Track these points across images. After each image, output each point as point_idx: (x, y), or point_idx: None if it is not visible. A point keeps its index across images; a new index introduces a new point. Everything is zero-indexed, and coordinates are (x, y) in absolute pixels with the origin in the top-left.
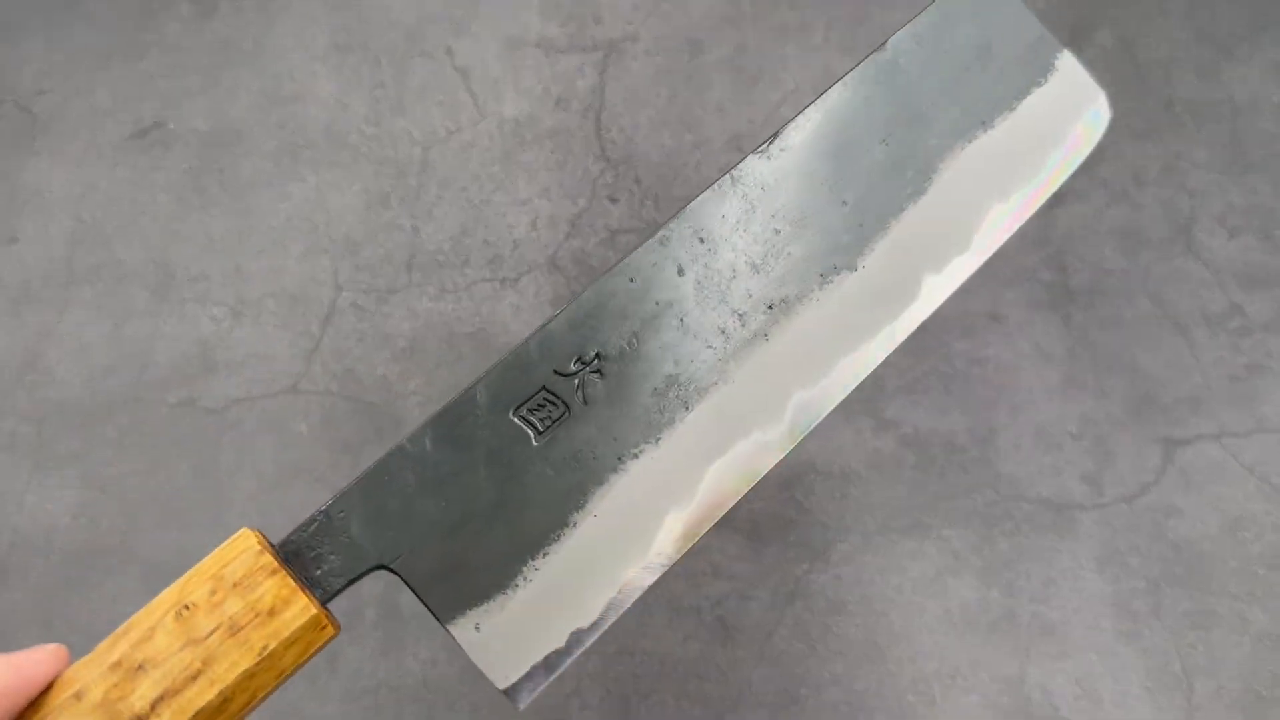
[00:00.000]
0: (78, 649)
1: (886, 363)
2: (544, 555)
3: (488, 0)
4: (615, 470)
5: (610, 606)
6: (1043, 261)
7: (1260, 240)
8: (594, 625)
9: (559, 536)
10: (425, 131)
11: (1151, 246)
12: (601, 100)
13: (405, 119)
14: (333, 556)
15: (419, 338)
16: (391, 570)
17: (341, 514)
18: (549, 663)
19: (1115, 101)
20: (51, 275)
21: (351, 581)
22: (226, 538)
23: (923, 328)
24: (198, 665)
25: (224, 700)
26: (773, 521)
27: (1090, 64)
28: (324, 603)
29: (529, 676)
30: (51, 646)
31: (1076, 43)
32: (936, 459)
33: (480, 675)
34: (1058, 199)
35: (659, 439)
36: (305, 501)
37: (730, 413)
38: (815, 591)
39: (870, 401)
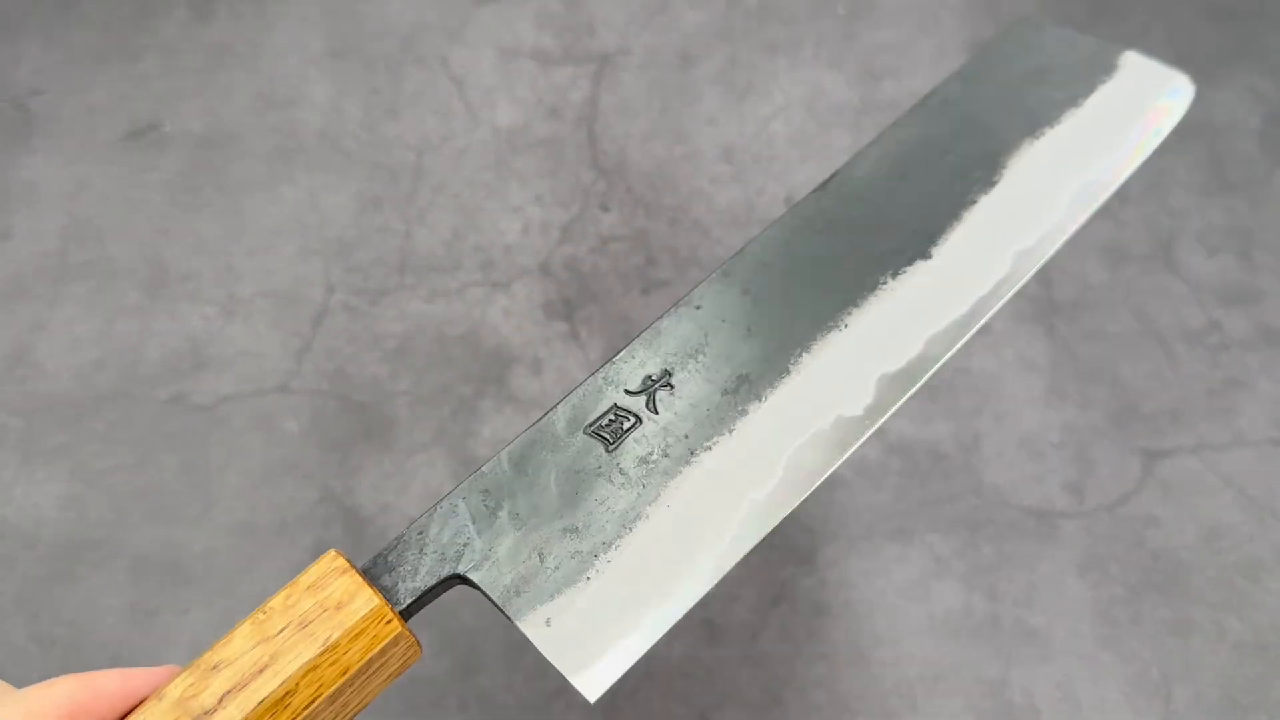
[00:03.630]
0: (64, 641)
1: None
2: (615, 548)
3: (482, 11)
4: (687, 463)
5: (688, 592)
6: None
7: (1238, 259)
8: (668, 612)
9: (631, 529)
10: (419, 137)
11: (1133, 262)
12: (594, 111)
13: (399, 125)
14: (407, 569)
15: (410, 339)
16: (467, 581)
17: (420, 534)
18: (624, 651)
19: None
20: (44, 270)
21: (429, 592)
22: (212, 532)
23: None
24: (265, 659)
25: (286, 692)
26: None
27: None
28: (405, 616)
29: (603, 667)
30: (167, 671)
31: None
32: (921, 465)
33: (472, 671)
34: None
35: (732, 429)
36: (293, 498)
37: (808, 394)
38: (801, 594)
39: None
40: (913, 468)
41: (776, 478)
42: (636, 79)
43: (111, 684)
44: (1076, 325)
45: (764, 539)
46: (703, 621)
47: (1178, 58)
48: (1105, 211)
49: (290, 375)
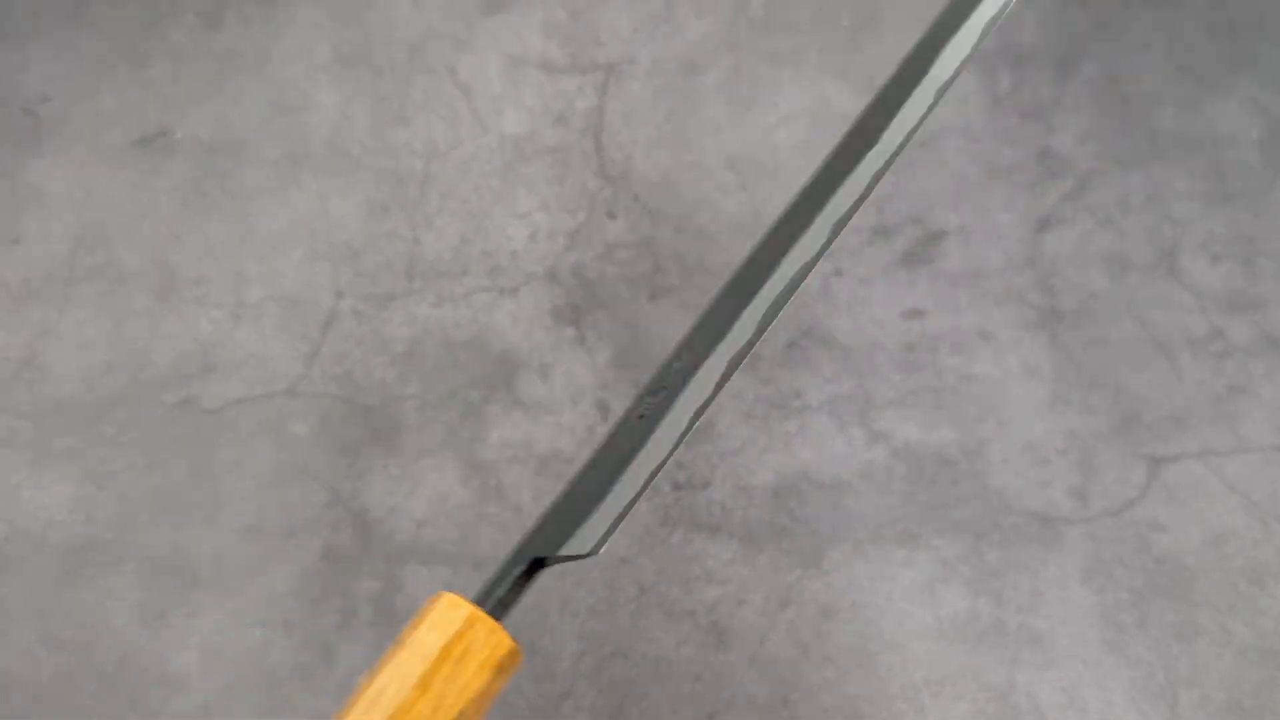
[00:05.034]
0: (73, 643)
1: (878, 376)
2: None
3: (489, 20)
4: None
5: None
6: (1031, 283)
7: (1241, 267)
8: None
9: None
10: (426, 144)
11: (1136, 271)
12: (600, 119)
13: (407, 132)
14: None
15: (418, 343)
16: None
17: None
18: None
19: (1101, 131)
20: (53, 274)
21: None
22: (221, 535)
23: (914, 344)
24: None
25: None
26: (766, 529)
27: (1078, 95)
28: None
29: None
30: None
31: (1065, 74)
32: (927, 470)
33: None
34: (1045, 224)
35: None
36: (302, 501)
37: None
38: (807, 598)
39: (862, 414)
40: (918, 473)
41: None
42: (642, 88)
43: None
44: (1080, 333)
45: (759, 545)
46: (710, 625)
47: (1179, 69)
48: (1107, 221)
49: (299, 379)
